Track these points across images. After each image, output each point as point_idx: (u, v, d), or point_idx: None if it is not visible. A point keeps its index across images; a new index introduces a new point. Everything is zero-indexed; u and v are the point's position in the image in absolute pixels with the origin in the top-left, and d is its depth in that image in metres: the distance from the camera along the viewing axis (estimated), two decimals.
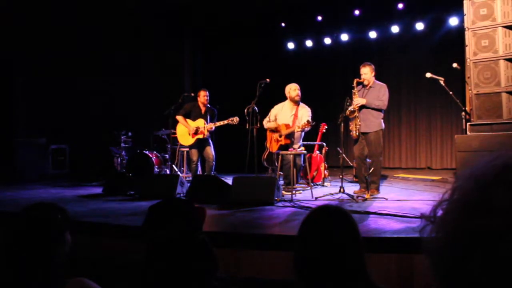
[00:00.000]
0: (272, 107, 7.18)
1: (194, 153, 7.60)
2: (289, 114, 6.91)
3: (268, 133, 7.06)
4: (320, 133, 7.81)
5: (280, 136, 6.80)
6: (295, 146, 6.83)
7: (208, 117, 7.59)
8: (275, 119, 6.99)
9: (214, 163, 7.57)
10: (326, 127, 7.88)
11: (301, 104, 7.00)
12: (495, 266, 0.59)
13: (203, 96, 7.63)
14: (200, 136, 7.45)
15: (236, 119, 7.25)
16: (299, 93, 6.93)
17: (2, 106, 9.33)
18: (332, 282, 1.41)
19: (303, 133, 6.93)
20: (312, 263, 1.44)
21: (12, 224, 1.70)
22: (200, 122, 7.49)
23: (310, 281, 1.43)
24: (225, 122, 7.36)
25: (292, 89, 6.89)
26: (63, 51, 9.35)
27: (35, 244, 1.63)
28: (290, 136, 6.78)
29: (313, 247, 1.44)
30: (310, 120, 6.32)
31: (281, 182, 6.68)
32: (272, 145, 6.93)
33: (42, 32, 9.10)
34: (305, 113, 6.87)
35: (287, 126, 6.80)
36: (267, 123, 7.00)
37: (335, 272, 1.41)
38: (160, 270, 1.55)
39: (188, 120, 7.58)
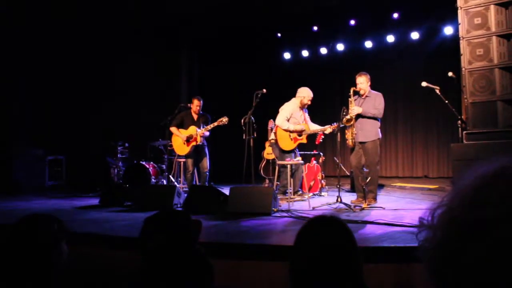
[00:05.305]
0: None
1: (190, 163, 7.58)
2: (300, 114, 7.02)
3: (279, 131, 6.90)
4: (316, 143, 7.82)
5: (300, 135, 6.87)
6: None
7: (202, 124, 7.56)
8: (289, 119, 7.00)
9: (208, 173, 7.54)
10: (323, 136, 7.89)
11: None
12: (490, 254, 0.60)
13: (196, 106, 7.63)
14: (194, 143, 7.41)
15: (225, 119, 7.22)
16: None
17: None
18: None
19: None
20: (308, 273, 1.43)
21: (9, 235, 1.70)
22: (192, 130, 7.47)
23: None
24: (215, 124, 7.32)
25: (309, 99, 6.99)
26: (61, 62, 9.37)
27: (32, 255, 1.63)
28: (309, 135, 6.99)
29: (310, 257, 1.44)
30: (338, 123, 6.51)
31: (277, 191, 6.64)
32: (287, 143, 6.87)
33: (39, 44, 9.12)
34: (307, 115, 7.14)
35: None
36: (292, 125, 6.84)
37: (332, 282, 1.41)
38: (156, 281, 1.55)
39: (181, 129, 7.57)
